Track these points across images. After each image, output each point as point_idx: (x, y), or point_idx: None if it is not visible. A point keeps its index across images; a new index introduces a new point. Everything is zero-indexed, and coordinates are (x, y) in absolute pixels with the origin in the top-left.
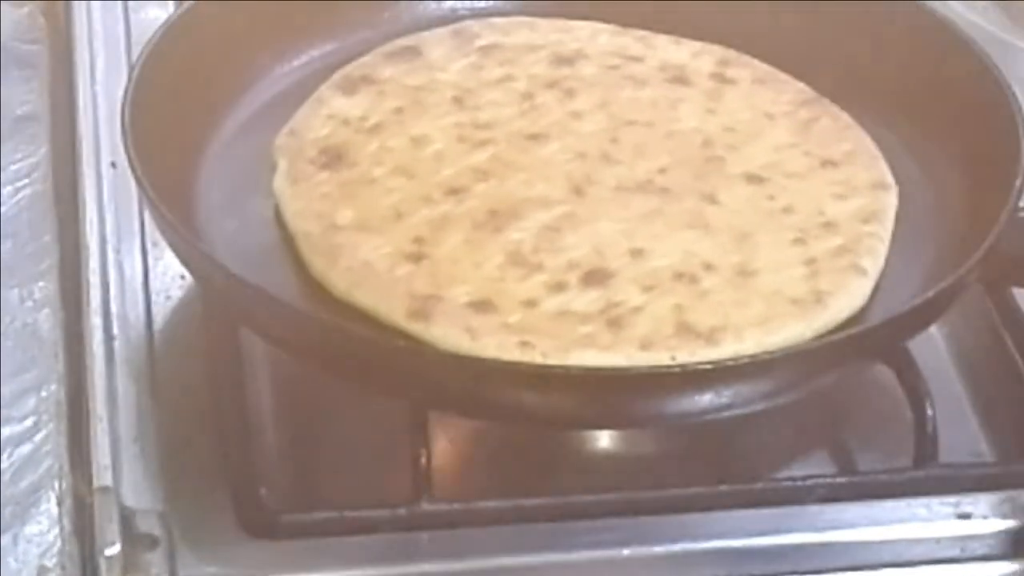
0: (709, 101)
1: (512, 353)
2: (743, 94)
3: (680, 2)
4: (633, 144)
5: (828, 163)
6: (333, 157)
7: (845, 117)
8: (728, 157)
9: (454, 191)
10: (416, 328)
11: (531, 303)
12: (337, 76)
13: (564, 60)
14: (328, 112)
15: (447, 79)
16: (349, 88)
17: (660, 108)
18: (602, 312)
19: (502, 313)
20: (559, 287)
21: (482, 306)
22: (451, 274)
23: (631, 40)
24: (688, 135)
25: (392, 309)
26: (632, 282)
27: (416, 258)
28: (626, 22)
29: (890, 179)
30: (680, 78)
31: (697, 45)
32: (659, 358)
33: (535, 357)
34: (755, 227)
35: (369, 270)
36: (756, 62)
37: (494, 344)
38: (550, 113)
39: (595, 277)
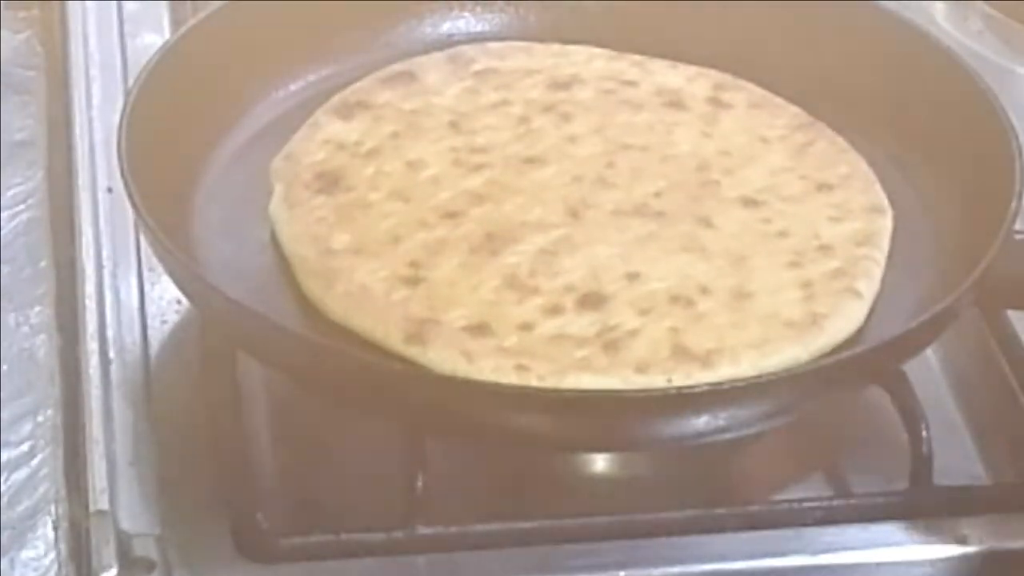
0: (705, 125)
1: (509, 376)
2: (739, 118)
3: (676, 27)
4: (629, 168)
5: (824, 187)
6: (329, 182)
7: (840, 141)
8: (724, 181)
9: (450, 215)
10: (413, 352)
11: (527, 326)
12: (334, 100)
13: (560, 85)
14: (324, 137)
15: (443, 104)
16: (345, 113)
17: (656, 132)
18: (598, 335)
19: (498, 336)
20: (555, 310)
21: (478, 330)
22: (447, 298)
23: (627, 65)
24: (684, 159)
25: (389, 333)
26: (628, 305)
27: (413, 282)
28: (622, 47)
29: (885, 202)
30: (676, 103)
31: (693, 70)
32: (655, 381)
33: (531, 380)
34: (751, 250)
35: (366, 294)
36: (751, 86)
37: (490, 367)
38: (546, 137)
39: (591, 300)
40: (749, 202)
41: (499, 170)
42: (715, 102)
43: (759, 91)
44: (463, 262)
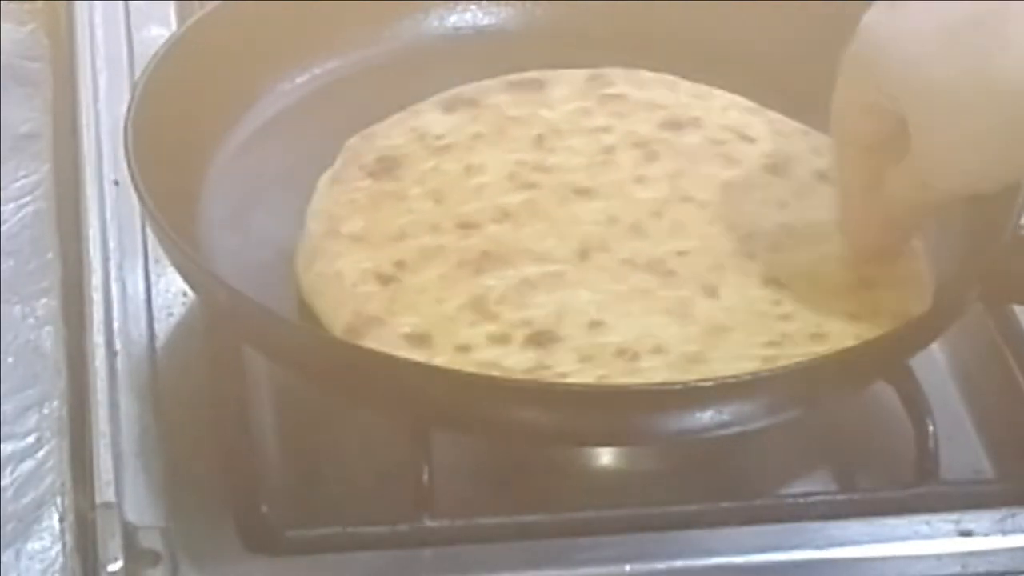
0: (791, 196)
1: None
2: (832, 199)
3: (679, 26)
4: (673, 221)
5: (866, 283)
6: (386, 167)
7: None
8: (762, 256)
9: (466, 225)
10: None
11: (465, 349)
12: (449, 93)
13: (674, 124)
14: (414, 124)
15: (547, 117)
16: (450, 106)
17: (729, 192)
18: (526, 372)
19: (432, 351)
20: (501, 340)
21: (417, 340)
22: (408, 303)
23: (759, 120)
24: (737, 225)
25: (334, 322)
26: (573, 351)
27: (386, 280)
28: (624, 44)
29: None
30: (778, 167)
31: (825, 139)
32: None
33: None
34: (738, 325)
35: (336, 280)
36: None
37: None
38: (616, 172)
39: (540, 339)
40: (771, 282)
41: (545, 193)
42: (822, 176)
43: None
44: (445, 274)
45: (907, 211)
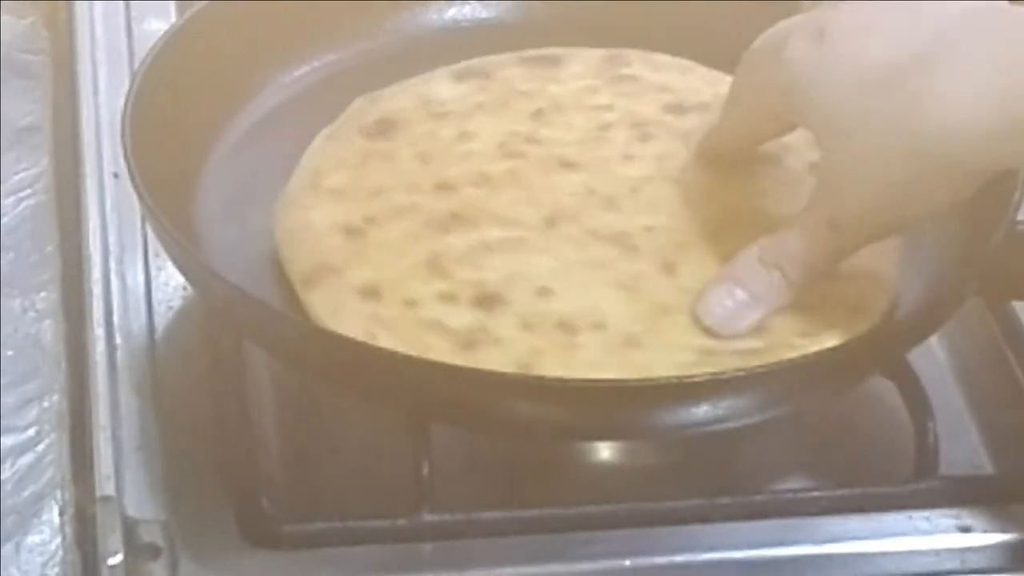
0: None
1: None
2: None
3: (684, 25)
4: (650, 198)
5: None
6: (382, 129)
7: None
8: (729, 240)
9: (443, 187)
10: (303, 293)
11: (411, 303)
12: (463, 64)
13: (678, 108)
14: (423, 91)
15: (553, 92)
16: (462, 76)
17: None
18: (466, 332)
19: (381, 304)
20: (448, 299)
21: (368, 292)
22: (368, 257)
23: None
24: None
25: (295, 269)
26: (515, 316)
27: (353, 233)
28: (626, 41)
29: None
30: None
31: None
32: None
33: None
34: (687, 308)
35: (304, 231)
36: None
37: (347, 326)
38: (606, 149)
39: (486, 301)
40: None
41: (531, 163)
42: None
43: None
44: (411, 231)
45: (814, 252)
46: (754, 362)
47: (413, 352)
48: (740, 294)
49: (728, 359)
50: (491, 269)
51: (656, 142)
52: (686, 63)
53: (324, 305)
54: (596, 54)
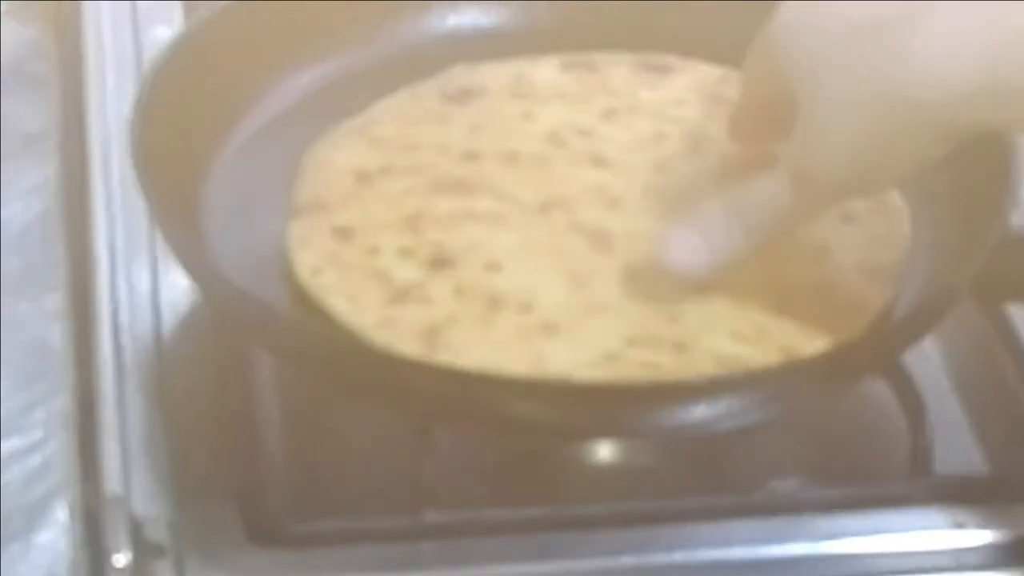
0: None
1: (306, 275)
2: None
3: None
4: (657, 207)
5: (776, 292)
6: (463, 96)
7: None
8: None
9: (470, 156)
10: (288, 219)
11: (373, 251)
12: (578, 56)
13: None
14: (524, 71)
15: (643, 96)
16: (570, 66)
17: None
18: (402, 287)
19: (345, 246)
20: (405, 253)
21: (341, 232)
22: (360, 202)
23: None
24: None
25: (293, 196)
26: (453, 281)
27: (362, 178)
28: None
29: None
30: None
31: None
32: (364, 321)
33: (310, 278)
34: (619, 310)
35: (323, 166)
36: None
37: (304, 257)
38: (646, 154)
39: (437, 263)
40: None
41: (565, 153)
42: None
43: None
44: (412, 188)
45: (777, 207)
46: (661, 373)
47: (336, 294)
48: (698, 240)
49: (629, 367)
50: (459, 235)
51: (700, 159)
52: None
53: (297, 234)
54: (714, 73)
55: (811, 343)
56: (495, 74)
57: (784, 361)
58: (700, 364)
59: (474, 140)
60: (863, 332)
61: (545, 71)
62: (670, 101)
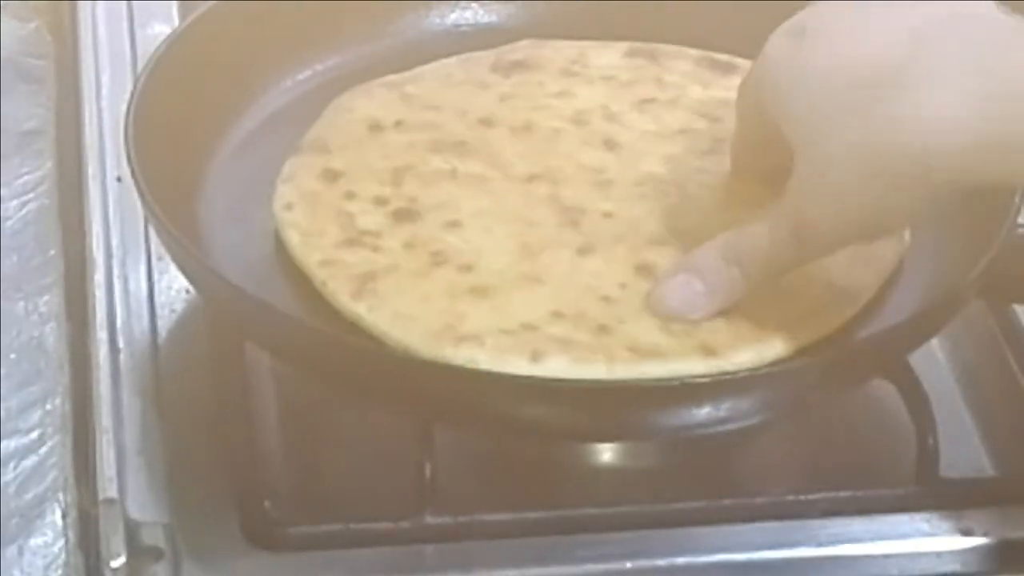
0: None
1: (278, 207)
2: None
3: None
4: (643, 195)
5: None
6: (513, 68)
7: None
8: (669, 252)
9: (485, 122)
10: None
11: (349, 196)
12: (645, 44)
13: None
14: (585, 52)
15: (690, 92)
16: (634, 52)
17: (722, 220)
18: (359, 232)
19: (327, 185)
20: (379, 201)
21: (328, 174)
22: (360, 149)
23: None
24: (686, 239)
25: (304, 136)
26: (407, 234)
27: (374, 129)
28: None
29: None
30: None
31: None
32: (310, 258)
33: (280, 211)
34: (553, 288)
35: (341, 113)
36: None
37: (284, 190)
38: (659, 146)
39: (402, 214)
40: (642, 270)
41: (581, 133)
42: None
43: None
44: (414, 143)
45: (775, 254)
46: (570, 349)
47: (292, 230)
48: (697, 285)
49: (541, 341)
50: (434, 193)
51: (714, 158)
52: None
53: (288, 169)
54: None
55: (742, 346)
56: (556, 51)
57: (789, 362)
58: (614, 348)
59: (497, 109)
60: (870, 333)
61: (608, 55)
62: (717, 100)
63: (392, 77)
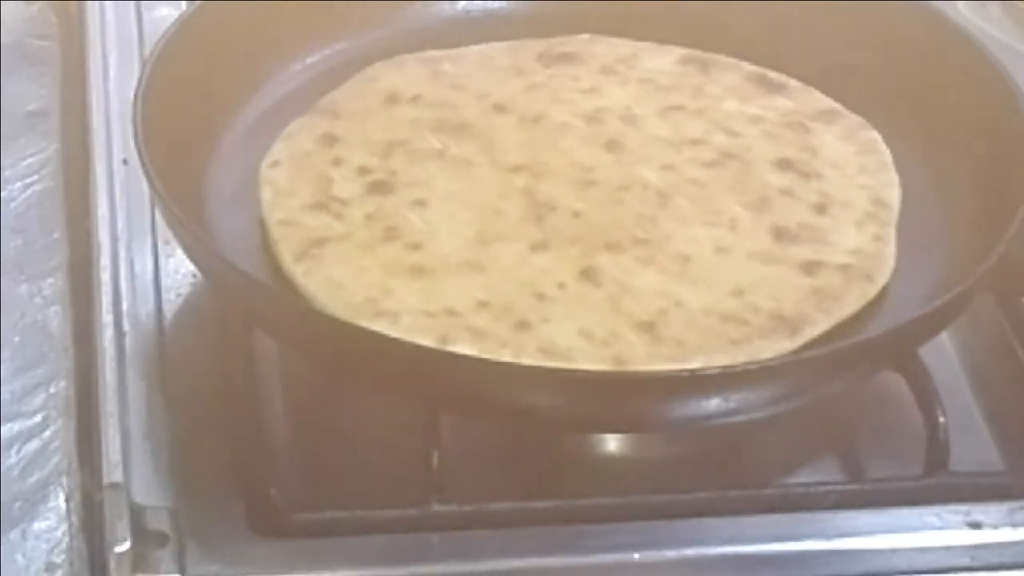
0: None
1: (265, 164)
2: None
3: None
4: (621, 200)
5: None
6: (561, 59)
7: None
8: (624, 260)
9: (499, 108)
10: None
11: (337, 161)
12: (701, 52)
13: (784, 165)
14: (638, 52)
15: (724, 106)
16: (687, 60)
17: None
18: (329, 199)
19: (321, 149)
20: (361, 172)
21: (326, 139)
22: (368, 121)
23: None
24: (658, 255)
25: (320, 99)
26: (375, 208)
27: (390, 102)
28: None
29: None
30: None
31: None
32: (273, 216)
33: (265, 168)
34: (494, 279)
35: (365, 83)
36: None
37: (280, 148)
38: (661, 153)
39: (377, 187)
40: (588, 277)
41: (588, 130)
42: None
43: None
44: (419, 120)
45: None
46: (479, 341)
47: (271, 202)
48: None
49: (453, 329)
50: (415, 169)
51: (713, 171)
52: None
53: (292, 128)
54: (823, 102)
55: (656, 363)
56: (609, 48)
57: (799, 354)
58: (526, 346)
59: (518, 97)
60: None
61: (660, 58)
62: (747, 116)
63: (434, 52)
